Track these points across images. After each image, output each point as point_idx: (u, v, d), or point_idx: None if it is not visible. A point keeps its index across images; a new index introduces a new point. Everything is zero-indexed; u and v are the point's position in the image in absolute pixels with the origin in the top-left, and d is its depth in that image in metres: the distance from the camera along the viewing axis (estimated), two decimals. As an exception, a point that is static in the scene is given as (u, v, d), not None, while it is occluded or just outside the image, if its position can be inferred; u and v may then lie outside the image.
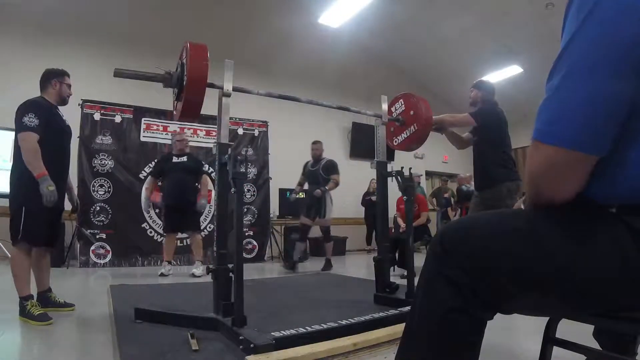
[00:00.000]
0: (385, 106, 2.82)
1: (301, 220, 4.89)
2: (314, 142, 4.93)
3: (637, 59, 0.53)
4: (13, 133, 4.92)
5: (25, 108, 2.25)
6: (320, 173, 4.74)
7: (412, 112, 2.76)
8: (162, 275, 4.08)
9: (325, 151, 5.01)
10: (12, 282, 2.20)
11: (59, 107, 2.47)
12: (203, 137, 5.68)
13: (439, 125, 2.90)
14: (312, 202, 4.73)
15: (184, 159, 4.32)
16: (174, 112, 2.18)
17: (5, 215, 5.09)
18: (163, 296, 2.87)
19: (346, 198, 7.62)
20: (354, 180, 7.56)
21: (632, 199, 0.58)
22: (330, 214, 4.78)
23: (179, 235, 5.28)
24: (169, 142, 5.43)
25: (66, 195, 2.54)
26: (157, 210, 5.22)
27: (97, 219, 4.89)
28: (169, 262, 4.27)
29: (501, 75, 8.05)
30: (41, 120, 2.23)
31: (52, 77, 2.41)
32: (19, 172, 2.22)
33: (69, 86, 2.47)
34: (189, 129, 5.56)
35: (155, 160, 4.79)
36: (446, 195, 7.70)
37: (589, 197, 0.61)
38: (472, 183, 3.80)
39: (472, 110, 2.97)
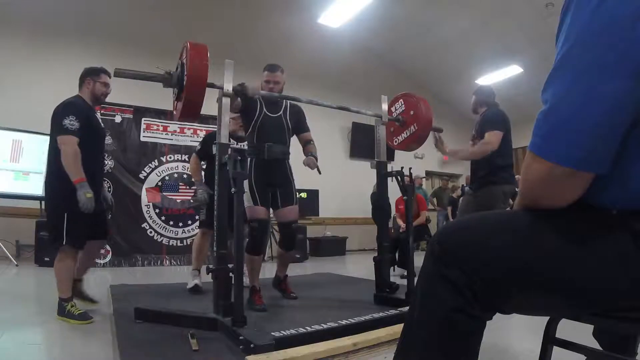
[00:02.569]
0: (385, 106, 2.83)
1: (253, 212, 2.55)
2: (271, 68, 2.62)
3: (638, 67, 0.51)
4: (14, 133, 4.94)
5: (65, 110, 2.20)
6: (287, 124, 2.68)
7: (412, 112, 2.76)
8: (196, 289, 3.05)
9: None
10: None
11: (95, 106, 2.45)
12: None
13: (454, 157, 2.86)
14: (272, 180, 2.63)
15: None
16: (174, 112, 2.19)
17: (4, 215, 5.08)
18: (163, 296, 2.86)
19: (347, 198, 7.63)
20: (354, 180, 7.57)
21: (633, 205, 0.57)
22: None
23: (179, 235, 5.31)
24: (169, 142, 5.44)
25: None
26: (157, 211, 5.22)
27: (97, 219, 4.89)
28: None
29: (501, 75, 8.04)
30: (81, 123, 2.20)
31: (87, 75, 2.36)
32: (59, 175, 2.15)
33: (105, 84, 2.39)
34: (188, 129, 5.56)
35: (203, 139, 3.39)
36: (453, 194, 7.67)
37: (588, 202, 0.61)
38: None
39: (476, 115, 2.98)
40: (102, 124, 2.51)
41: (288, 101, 2.74)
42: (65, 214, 2.15)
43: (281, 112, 2.68)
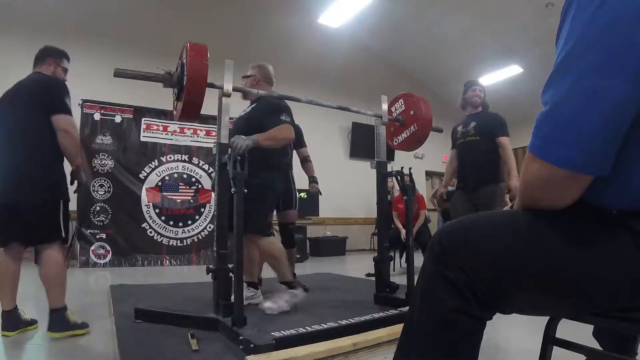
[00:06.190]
0: (385, 106, 2.82)
1: None
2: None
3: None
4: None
5: (63, 88, 1.97)
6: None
7: (412, 112, 2.76)
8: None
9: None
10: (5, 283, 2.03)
11: None
12: (203, 137, 5.68)
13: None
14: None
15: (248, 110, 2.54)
16: (174, 112, 2.18)
17: None
18: (163, 296, 2.86)
19: (346, 198, 7.63)
20: (354, 180, 7.57)
21: (633, 205, 0.57)
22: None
23: (179, 235, 5.31)
24: (169, 142, 5.44)
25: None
26: (157, 211, 5.22)
27: (97, 219, 4.89)
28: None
29: (501, 75, 8.04)
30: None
31: (49, 55, 2.08)
32: (55, 158, 1.90)
33: (65, 71, 2.13)
34: (188, 129, 5.56)
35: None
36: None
37: (588, 202, 0.60)
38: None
39: (473, 111, 3.23)
40: None
41: None
42: (61, 203, 1.90)
43: None
